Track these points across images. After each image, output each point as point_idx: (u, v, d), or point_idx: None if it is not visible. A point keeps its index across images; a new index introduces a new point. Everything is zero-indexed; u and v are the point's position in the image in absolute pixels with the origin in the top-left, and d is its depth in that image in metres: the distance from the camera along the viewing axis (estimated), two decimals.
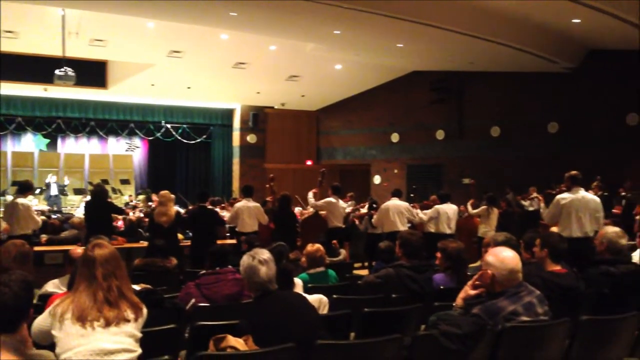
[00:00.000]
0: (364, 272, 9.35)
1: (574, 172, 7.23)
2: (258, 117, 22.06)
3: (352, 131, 22.33)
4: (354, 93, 21.49)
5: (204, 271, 4.81)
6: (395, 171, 21.04)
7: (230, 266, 4.64)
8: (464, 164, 18.86)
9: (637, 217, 9.45)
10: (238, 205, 9.85)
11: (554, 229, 7.14)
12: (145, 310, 2.85)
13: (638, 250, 6.90)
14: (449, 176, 19.28)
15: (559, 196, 7.17)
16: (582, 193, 7.07)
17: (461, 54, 15.84)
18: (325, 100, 22.26)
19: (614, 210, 12.72)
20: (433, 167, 19.99)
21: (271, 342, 2.82)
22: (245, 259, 3.37)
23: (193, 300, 4.29)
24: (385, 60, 17.92)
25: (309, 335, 2.95)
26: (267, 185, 11.22)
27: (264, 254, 3.39)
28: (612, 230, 4.72)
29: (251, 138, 22.12)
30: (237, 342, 2.81)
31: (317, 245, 5.66)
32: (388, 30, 13.66)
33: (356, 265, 10.97)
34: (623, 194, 13.12)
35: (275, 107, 22.53)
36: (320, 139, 23.38)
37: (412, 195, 15.59)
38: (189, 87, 19.08)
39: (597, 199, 7.29)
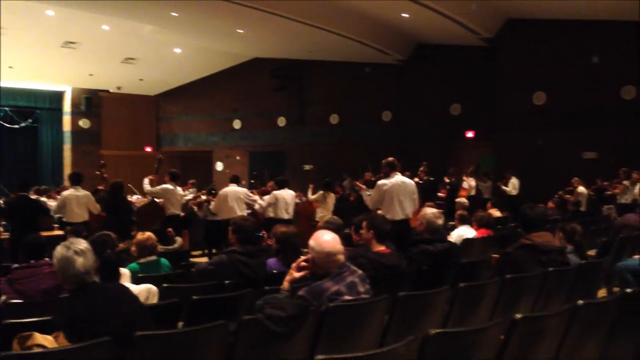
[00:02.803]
0: (205, 259, 9.20)
1: (390, 158, 7.57)
2: (91, 101, 20.79)
3: (194, 117, 21.88)
4: (194, 78, 21.03)
5: (16, 265, 4.42)
6: (238, 158, 20.97)
7: (47, 259, 4.31)
8: (305, 151, 19.28)
9: (457, 200, 10.25)
10: (65, 194, 9.26)
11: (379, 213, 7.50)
12: None
13: (456, 229, 7.53)
14: (291, 162, 19.60)
15: (380, 182, 7.49)
16: (400, 178, 7.44)
17: (300, 42, 16.12)
18: (164, 85, 21.54)
19: (439, 194, 13.74)
20: (275, 153, 20.19)
21: (85, 338, 2.64)
22: (60, 250, 3.13)
23: (3, 297, 3.92)
24: (226, 46, 17.73)
25: (128, 328, 2.81)
26: (97, 172, 10.63)
27: (81, 243, 3.17)
28: (431, 211, 5.07)
29: (84, 123, 20.80)
30: (45, 340, 2.60)
31: (148, 234, 5.45)
32: (228, 15, 13.52)
33: (196, 253, 10.79)
34: (447, 180, 14.20)
35: (111, 90, 21.38)
36: (160, 125, 22.61)
37: (252, 181, 15.64)
38: (10, 67, 17.41)
39: (413, 182, 7.72)
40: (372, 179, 11.22)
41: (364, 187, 10.24)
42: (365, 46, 15.58)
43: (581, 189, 12.15)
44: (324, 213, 11.20)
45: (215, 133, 21.50)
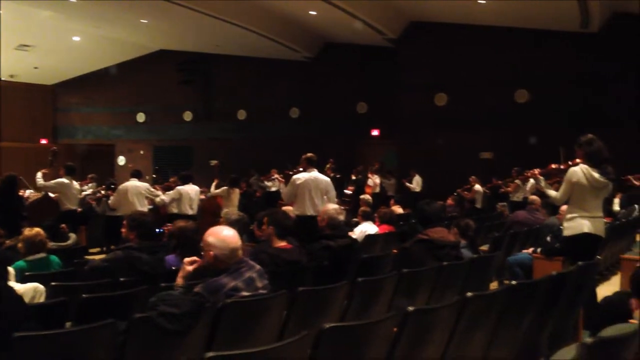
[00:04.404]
0: (103, 256, 8.83)
1: (309, 154, 7.65)
2: None
3: (95, 109, 20.97)
4: (95, 68, 20.16)
5: None
6: (142, 152, 20.34)
7: None
8: (212, 146, 18.96)
9: (361, 197, 10.45)
10: None
11: (290, 208, 7.51)
12: None
13: (359, 226, 7.65)
14: (197, 158, 19.22)
15: (295, 176, 7.54)
16: (315, 174, 7.51)
17: (206, 35, 15.86)
18: (62, 74, 20.50)
19: (345, 191, 13.94)
20: (181, 148, 19.76)
21: None
22: None
23: None
24: (130, 36, 17.14)
25: (8, 330, 2.63)
26: None
27: None
28: (332, 207, 5.12)
29: None
30: None
31: (37, 230, 5.14)
32: (131, 4, 13.04)
33: (94, 250, 10.34)
34: (354, 178, 14.43)
35: (4, 79, 20.06)
36: (57, 116, 21.51)
37: (154, 176, 15.22)
38: None
39: (328, 179, 7.82)
40: (290, 173, 11.24)
41: (283, 180, 10.19)
42: (273, 42, 15.55)
43: (478, 187, 12.70)
44: (229, 209, 11.06)
45: (118, 126, 20.73)
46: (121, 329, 2.89)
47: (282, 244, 4.61)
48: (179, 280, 3.19)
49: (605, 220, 5.40)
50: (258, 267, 3.37)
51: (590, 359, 1.89)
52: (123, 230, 4.57)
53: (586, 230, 4.88)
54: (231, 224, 5.03)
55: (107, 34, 16.84)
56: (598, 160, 4.87)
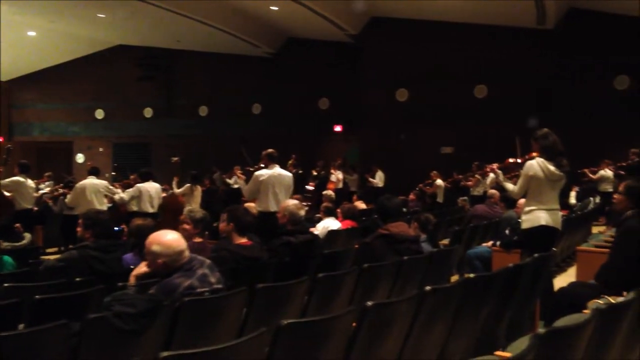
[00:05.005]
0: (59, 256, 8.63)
1: (270, 150, 7.60)
2: None
3: (51, 105, 20.47)
4: (52, 64, 19.68)
5: None
6: (101, 149, 19.96)
7: None
8: (173, 143, 18.73)
9: (324, 193, 10.44)
10: None
11: (252, 205, 7.46)
12: None
13: (322, 221, 7.64)
14: (158, 155, 18.96)
15: (257, 173, 7.48)
16: (278, 169, 7.47)
17: (165, 30, 15.64)
18: (17, 70, 19.94)
19: (307, 187, 13.93)
20: (141, 145, 19.46)
21: None
22: None
23: None
24: (87, 31, 16.77)
25: None
26: None
27: None
28: (292, 203, 5.09)
29: None
30: None
31: None
32: None
33: (51, 250, 10.12)
34: (315, 173, 14.43)
35: None
36: (12, 112, 20.92)
37: (113, 173, 14.96)
38: None
39: (290, 175, 7.79)
40: (251, 169, 11.14)
41: (243, 176, 10.12)
42: (234, 37, 15.42)
43: (439, 181, 12.84)
44: (191, 206, 10.93)
45: (76, 123, 20.29)
46: (75, 330, 2.82)
47: (243, 240, 4.58)
48: (132, 279, 3.13)
49: (561, 212, 5.51)
50: (208, 261, 3.34)
51: (543, 349, 1.92)
52: (78, 229, 4.46)
53: (543, 222, 4.97)
54: (196, 222, 4.98)
55: (63, 29, 16.44)
56: (553, 153, 4.97)
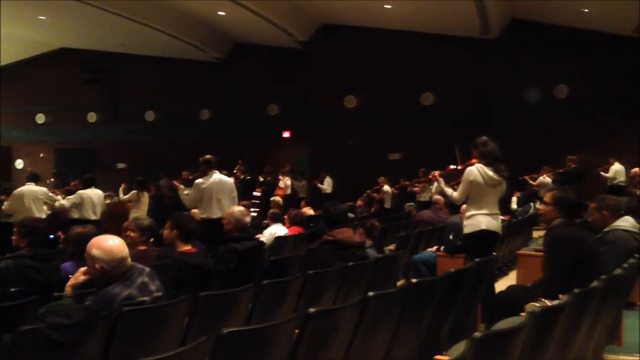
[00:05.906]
0: None
1: (208, 156, 7.49)
2: None
3: None
4: None
5: None
6: (42, 155, 19.36)
7: None
8: (118, 148, 18.33)
9: (272, 199, 10.42)
10: None
11: (196, 211, 7.35)
12: None
13: (269, 228, 7.61)
14: (102, 161, 18.53)
15: (197, 180, 7.38)
16: (218, 176, 7.38)
17: (110, 33, 15.33)
18: None
19: (254, 193, 13.85)
20: (85, 151, 18.97)
21: None
22: None
23: None
24: (27, 33, 16.26)
25: None
26: None
27: None
28: (238, 209, 5.05)
29: None
30: None
31: None
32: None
33: None
34: (262, 179, 14.36)
35: None
36: None
37: (53, 180, 14.53)
38: None
39: (231, 180, 7.73)
40: (190, 177, 10.97)
41: (181, 186, 9.96)
42: (181, 42, 15.24)
43: (386, 187, 12.97)
44: (138, 213, 10.71)
45: (16, 127, 19.59)
46: (6, 343, 2.72)
47: (187, 247, 4.51)
48: (67, 289, 3.03)
49: (502, 217, 5.64)
50: (148, 269, 3.26)
51: (479, 352, 1.95)
52: (13, 237, 4.30)
53: (484, 227, 5.08)
54: (142, 230, 4.86)
55: (2, 30, 15.88)
56: (492, 159, 5.10)
